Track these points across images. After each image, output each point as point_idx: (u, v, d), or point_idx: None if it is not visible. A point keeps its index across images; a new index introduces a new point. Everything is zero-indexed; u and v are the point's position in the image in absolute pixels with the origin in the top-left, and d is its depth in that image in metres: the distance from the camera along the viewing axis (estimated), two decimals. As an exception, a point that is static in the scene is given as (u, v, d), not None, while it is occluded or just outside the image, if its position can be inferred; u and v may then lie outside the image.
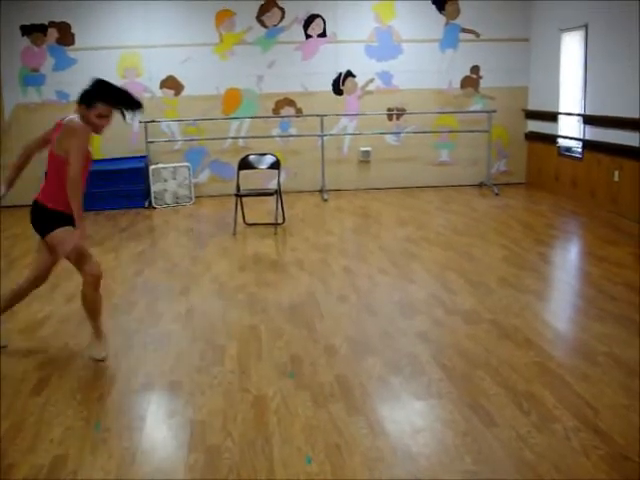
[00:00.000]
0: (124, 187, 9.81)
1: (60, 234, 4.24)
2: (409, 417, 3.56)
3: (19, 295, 4.61)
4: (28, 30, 10.18)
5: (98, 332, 4.45)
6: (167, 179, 10.00)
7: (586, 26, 9.18)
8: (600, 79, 8.99)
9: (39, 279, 4.57)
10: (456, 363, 4.18)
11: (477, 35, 10.83)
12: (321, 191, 10.45)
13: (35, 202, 4.35)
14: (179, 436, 3.43)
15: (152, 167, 9.96)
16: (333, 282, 5.97)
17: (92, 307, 4.40)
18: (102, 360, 4.37)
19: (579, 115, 9.51)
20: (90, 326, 4.48)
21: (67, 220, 4.21)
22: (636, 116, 8.08)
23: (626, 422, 3.41)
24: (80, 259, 4.28)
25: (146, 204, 9.89)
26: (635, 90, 8.15)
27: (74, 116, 4.21)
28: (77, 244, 4.18)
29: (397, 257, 6.76)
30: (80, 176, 4.12)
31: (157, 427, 3.57)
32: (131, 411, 3.74)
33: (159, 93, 10.46)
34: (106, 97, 4.19)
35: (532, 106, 10.99)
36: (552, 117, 10.26)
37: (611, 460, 3.08)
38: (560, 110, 10.07)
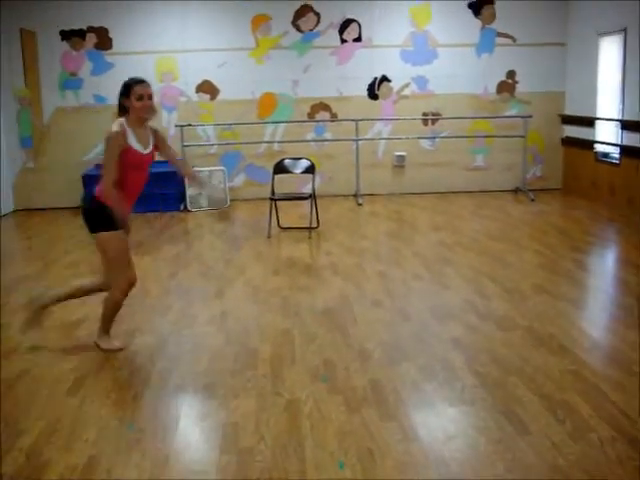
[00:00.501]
0: (160, 191, 9.87)
1: (105, 239, 4.44)
2: (442, 423, 3.55)
3: (116, 307, 4.68)
4: (67, 35, 10.34)
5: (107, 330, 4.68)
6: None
7: (625, 30, 9.08)
8: (639, 84, 8.88)
9: (129, 284, 4.62)
10: (490, 370, 4.16)
11: (513, 40, 10.77)
12: (355, 195, 10.45)
13: (89, 196, 4.54)
14: (212, 438, 3.45)
15: (188, 171, 10.02)
16: (367, 287, 5.97)
17: (113, 309, 4.62)
18: (121, 349, 4.65)
19: (617, 120, 9.41)
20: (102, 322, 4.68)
21: (110, 213, 4.34)
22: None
23: (663, 432, 3.37)
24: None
25: (181, 207, 9.97)
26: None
27: (114, 123, 4.35)
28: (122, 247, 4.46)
29: (431, 262, 6.73)
30: (109, 190, 4.30)
31: (190, 429, 3.60)
32: (165, 412, 3.77)
33: (195, 97, 10.55)
34: (136, 79, 4.40)
35: (569, 111, 10.89)
36: (589, 122, 10.15)
37: (647, 471, 3.05)
38: (597, 115, 9.97)
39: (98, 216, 4.39)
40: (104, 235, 4.41)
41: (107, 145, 4.29)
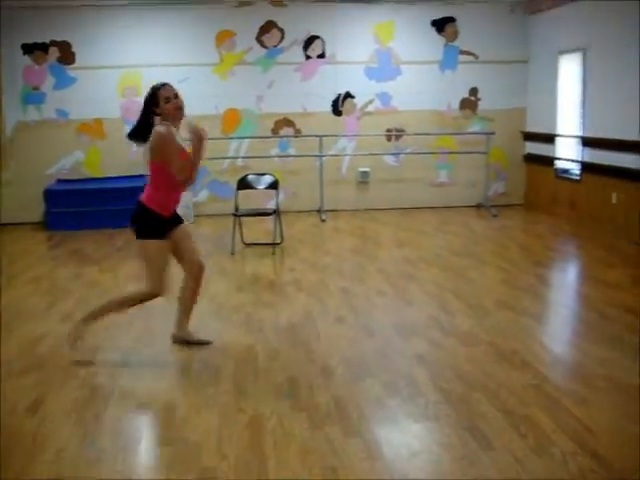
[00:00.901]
0: (123, 206, 9.73)
1: (147, 247, 4.58)
2: (406, 440, 3.54)
3: (122, 304, 4.84)
4: (29, 49, 10.24)
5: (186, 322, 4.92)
6: (166, 198, 9.98)
7: (585, 49, 9.23)
8: (599, 101, 9.03)
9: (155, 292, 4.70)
10: (454, 385, 4.16)
11: (476, 57, 10.90)
12: (319, 211, 10.45)
13: (137, 202, 4.61)
14: (174, 457, 3.39)
15: (151, 186, 9.94)
16: (331, 303, 5.96)
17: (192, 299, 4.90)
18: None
19: (577, 137, 9.54)
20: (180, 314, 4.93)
21: (159, 223, 4.52)
22: (635, 138, 8.11)
23: (625, 446, 3.39)
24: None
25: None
26: (634, 112, 8.18)
27: (157, 125, 4.49)
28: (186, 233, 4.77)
29: (395, 278, 6.75)
30: (183, 171, 4.44)
31: (152, 447, 3.55)
32: (126, 431, 3.72)
33: (159, 112, 10.48)
34: (157, 84, 4.56)
35: (530, 128, 11.03)
36: (550, 139, 10.29)
37: (609, 485, 3.07)
38: (558, 132, 10.11)
39: (145, 223, 4.53)
40: (148, 243, 4.55)
41: (163, 142, 4.40)
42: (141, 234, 4.56)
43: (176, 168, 4.42)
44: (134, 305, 4.78)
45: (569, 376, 4.40)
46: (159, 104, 4.47)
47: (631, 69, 8.25)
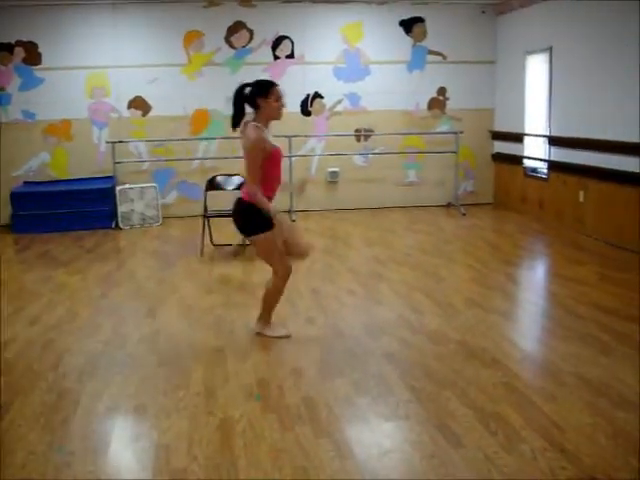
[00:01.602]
0: (91, 208, 9.70)
1: (261, 241, 4.73)
2: (377, 439, 3.54)
3: (274, 297, 5.00)
4: (-6, 49, 10.11)
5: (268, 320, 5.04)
6: (134, 200, 9.93)
7: (550, 49, 9.32)
8: (565, 101, 9.12)
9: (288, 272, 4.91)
10: (424, 384, 4.17)
11: (444, 57, 10.95)
12: (289, 212, 10.42)
13: (238, 199, 4.77)
14: (143, 460, 3.37)
15: (119, 188, 9.88)
16: (301, 303, 5.95)
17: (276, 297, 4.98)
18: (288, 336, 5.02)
19: (544, 136, 9.63)
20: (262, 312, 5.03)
21: (261, 214, 4.60)
22: (600, 137, 8.20)
23: (592, 442, 3.42)
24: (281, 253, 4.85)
25: (113, 225, 9.80)
26: (599, 111, 8.28)
27: (248, 121, 4.70)
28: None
29: (365, 278, 6.76)
30: (254, 186, 4.60)
31: (121, 451, 3.52)
32: (95, 435, 3.67)
33: (126, 113, 10.41)
34: (272, 80, 4.78)
35: (498, 127, 11.11)
36: (518, 138, 10.37)
37: (578, 480, 3.09)
38: (525, 131, 10.19)
39: (251, 219, 4.66)
40: (260, 237, 4.69)
41: (253, 151, 4.58)
42: (252, 231, 4.72)
43: (251, 176, 4.59)
44: (281, 292, 4.97)
45: (538, 373, 4.43)
46: (268, 99, 4.60)
47: (595, 68, 8.35)
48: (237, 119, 4.75)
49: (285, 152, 10.26)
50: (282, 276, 4.87)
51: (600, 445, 3.39)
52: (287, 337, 5.02)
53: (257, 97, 4.65)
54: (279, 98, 4.65)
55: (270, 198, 4.71)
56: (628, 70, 7.72)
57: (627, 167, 7.73)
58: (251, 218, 4.67)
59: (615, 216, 8.01)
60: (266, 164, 4.64)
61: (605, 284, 6.36)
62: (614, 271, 6.85)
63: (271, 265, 4.86)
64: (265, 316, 5.05)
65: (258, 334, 5.06)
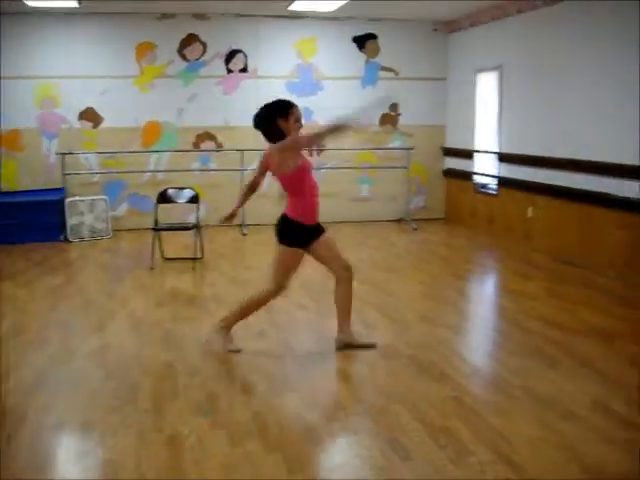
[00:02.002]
0: (39, 220, 9.54)
1: (285, 252, 4.81)
2: (327, 454, 3.54)
3: (256, 305, 5.01)
4: (-60, 58, 9.90)
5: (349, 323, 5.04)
6: (84, 212, 9.80)
7: (500, 67, 9.47)
8: (514, 118, 9.27)
9: (279, 292, 4.94)
10: (374, 398, 4.18)
11: (396, 73, 11.06)
12: (240, 226, 10.41)
13: (283, 215, 4.88)
14: (90, 478, 3.31)
15: (69, 200, 9.75)
16: (251, 318, 5.84)
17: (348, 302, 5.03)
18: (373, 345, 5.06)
19: (494, 153, 9.76)
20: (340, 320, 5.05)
21: (301, 233, 4.79)
22: (547, 154, 8.35)
23: (539, 453, 3.46)
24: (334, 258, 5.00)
25: (62, 238, 9.66)
26: (546, 129, 8.43)
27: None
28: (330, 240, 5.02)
29: (316, 292, 6.75)
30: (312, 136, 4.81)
31: (67, 468, 3.45)
32: (41, 452, 3.59)
33: (77, 124, 10.28)
34: (289, 101, 4.84)
35: (449, 144, 11.24)
36: (468, 155, 10.50)
37: (525, 493, 3.13)
38: (476, 148, 10.33)
39: (289, 233, 4.79)
40: (288, 249, 4.78)
41: (297, 141, 4.75)
42: (283, 241, 4.80)
43: (310, 138, 4.81)
44: (263, 304, 4.99)
45: (487, 387, 4.48)
46: (289, 120, 4.69)
47: (544, 87, 8.51)
48: (276, 133, 4.80)
49: (237, 165, 10.31)
50: (273, 291, 4.88)
51: (547, 457, 3.43)
52: (237, 351, 5.00)
53: (277, 116, 4.72)
54: (298, 119, 4.72)
55: (315, 204, 4.89)
56: (576, 88, 7.88)
57: (573, 184, 7.88)
58: (290, 231, 4.79)
59: (561, 232, 8.16)
60: (306, 174, 4.81)
61: (552, 298, 6.46)
62: (561, 285, 6.96)
63: (273, 277, 4.87)
64: (230, 323, 5.03)
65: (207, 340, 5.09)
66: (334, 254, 5.02)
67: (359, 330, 5.50)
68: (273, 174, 4.90)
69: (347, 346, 5.03)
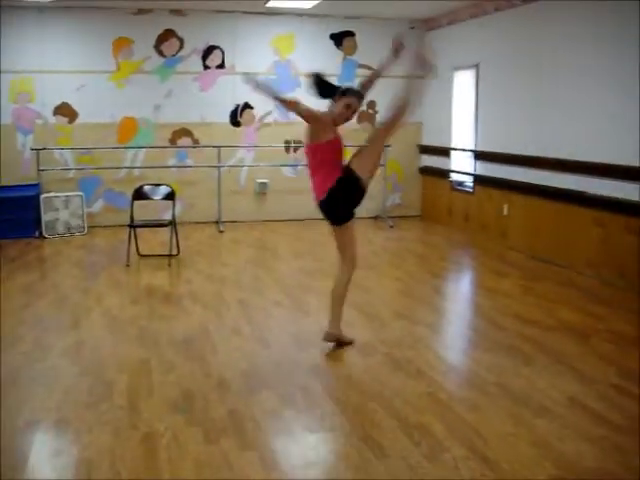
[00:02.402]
0: (14, 216, 9.46)
1: (341, 233, 4.97)
2: (302, 451, 3.53)
3: (344, 290, 5.04)
4: None
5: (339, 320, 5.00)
6: (59, 208, 9.73)
7: (477, 65, 9.51)
8: (490, 116, 9.32)
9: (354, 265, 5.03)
10: (349, 396, 4.19)
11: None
12: (217, 222, 10.38)
13: (320, 202, 4.99)
14: (64, 477, 3.28)
15: (44, 196, 9.67)
16: (227, 315, 5.91)
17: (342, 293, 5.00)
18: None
19: (471, 151, 9.81)
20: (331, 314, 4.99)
21: (344, 208, 4.91)
22: (524, 153, 8.41)
23: (513, 449, 3.49)
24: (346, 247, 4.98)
25: (37, 234, 9.58)
26: (522, 127, 8.49)
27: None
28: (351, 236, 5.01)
29: (292, 289, 6.76)
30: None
31: (41, 467, 3.41)
32: (14, 450, 3.56)
33: (52, 120, 10.19)
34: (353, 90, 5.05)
35: (426, 141, 11.28)
36: (445, 152, 10.54)
37: (498, 489, 3.15)
38: (453, 146, 10.37)
39: (344, 210, 4.92)
40: (348, 226, 4.95)
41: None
42: (342, 219, 4.95)
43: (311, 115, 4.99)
44: (348, 284, 5.02)
45: (462, 384, 4.50)
46: (341, 100, 4.85)
47: (520, 85, 8.56)
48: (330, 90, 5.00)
49: (214, 162, 10.28)
50: (353, 264, 4.99)
51: (520, 452, 3.46)
52: (350, 343, 5.06)
53: (338, 93, 4.95)
54: (349, 107, 4.86)
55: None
56: (552, 87, 7.94)
57: (549, 182, 7.94)
58: (331, 206, 4.90)
59: (537, 230, 8.22)
60: (338, 148, 5.01)
61: (527, 296, 6.51)
62: (535, 283, 7.01)
63: (347, 255, 4.96)
64: (337, 323, 5.01)
65: (336, 340, 5.03)
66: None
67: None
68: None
69: (335, 341, 5.05)
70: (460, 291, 7.36)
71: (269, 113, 10.80)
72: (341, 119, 4.92)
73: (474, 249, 8.91)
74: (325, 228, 9.59)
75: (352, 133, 11.03)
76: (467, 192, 10.00)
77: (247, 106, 10.72)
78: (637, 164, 6.64)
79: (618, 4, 6.85)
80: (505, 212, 8.86)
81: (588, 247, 7.37)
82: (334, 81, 10.62)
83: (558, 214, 7.83)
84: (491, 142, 9.30)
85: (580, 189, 7.44)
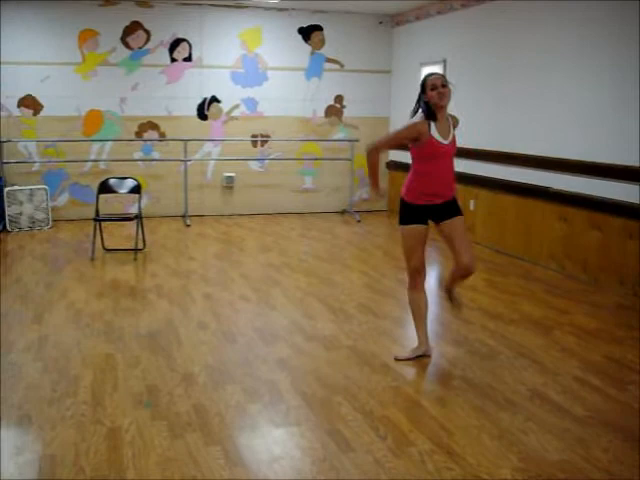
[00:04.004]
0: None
1: (402, 231, 4.77)
2: (267, 445, 3.53)
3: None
4: None
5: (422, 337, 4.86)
6: (23, 202, 9.61)
7: (445, 61, 9.55)
8: (457, 112, 9.32)
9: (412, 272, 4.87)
10: (315, 389, 4.20)
11: (341, 65, 11.08)
12: (184, 216, 10.33)
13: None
14: (27, 473, 3.24)
15: (7, 189, 9.54)
16: (193, 309, 5.89)
17: (411, 308, 4.91)
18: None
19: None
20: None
21: (407, 211, 4.71)
22: (490, 148, 8.47)
23: (477, 443, 3.52)
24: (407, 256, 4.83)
25: (0, 228, 9.46)
26: (489, 123, 8.54)
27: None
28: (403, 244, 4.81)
29: (259, 284, 6.75)
30: (373, 150, 4.82)
31: (4, 465, 3.35)
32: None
33: (16, 112, 10.04)
34: (429, 72, 4.79)
35: (393, 136, 11.28)
36: (412, 147, 10.56)
37: (463, 482, 3.18)
38: (419, 141, 10.39)
39: (401, 212, 4.73)
40: (402, 228, 4.74)
41: (407, 126, 4.70)
42: (399, 220, 4.79)
43: (388, 137, 4.93)
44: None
45: (427, 377, 4.53)
46: (426, 92, 4.61)
47: (486, 81, 8.62)
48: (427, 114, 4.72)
49: (180, 156, 10.22)
50: (409, 274, 4.86)
51: (485, 445, 3.49)
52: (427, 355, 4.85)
53: (421, 96, 4.72)
54: (435, 86, 4.58)
55: (425, 195, 4.67)
56: (519, 83, 8.00)
57: (514, 177, 8.01)
58: (401, 210, 4.77)
59: (502, 224, 8.29)
60: (425, 155, 4.70)
61: (491, 290, 6.57)
62: (499, 277, 7.09)
63: (405, 258, 4.86)
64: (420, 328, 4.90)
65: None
66: (457, 247, 4.82)
67: (301, 321, 5.53)
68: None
69: (451, 295, 5.09)
70: (426, 285, 7.37)
71: (237, 107, 10.76)
72: (434, 101, 4.64)
73: (441, 244, 8.93)
74: (293, 221, 9.51)
75: (318, 128, 11.11)
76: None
77: (214, 99, 10.67)
78: (602, 160, 6.72)
79: None
80: (472, 207, 8.92)
81: (552, 241, 7.45)
82: (301, 76, 10.80)
83: (523, 209, 7.90)
84: (458, 137, 9.31)
85: (545, 184, 7.52)
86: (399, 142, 4.83)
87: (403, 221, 4.73)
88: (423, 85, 4.67)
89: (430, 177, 4.70)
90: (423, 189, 4.68)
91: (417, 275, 4.82)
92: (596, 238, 6.82)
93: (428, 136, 4.62)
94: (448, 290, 5.07)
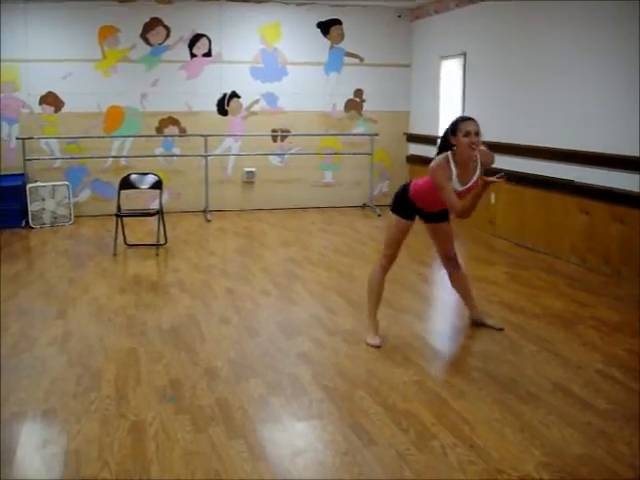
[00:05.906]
0: (0, 206, 9.42)
1: (392, 221, 4.97)
2: (290, 439, 3.55)
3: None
4: None
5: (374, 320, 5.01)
6: (45, 198, 9.68)
7: (464, 54, 9.51)
8: (477, 105, 9.32)
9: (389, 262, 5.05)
10: (337, 383, 4.21)
11: (361, 59, 11.06)
12: (204, 212, 10.37)
13: (404, 185, 5.01)
14: (52, 467, 3.27)
15: (30, 185, 9.62)
16: (215, 304, 5.92)
17: (369, 289, 5.06)
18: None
19: (457, 139, 9.80)
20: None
21: (409, 207, 4.87)
22: (510, 141, 8.42)
23: (500, 436, 3.51)
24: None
25: (23, 224, 9.54)
26: (510, 116, 8.50)
27: (439, 157, 4.66)
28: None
29: (280, 278, 6.76)
30: (456, 205, 4.60)
31: (29, 458, 3.40)
32: (1, 442, 3.55)
33: (38, 109, 10.12)
34: (464, 116, 4.77)
35: (413, 130, 11.28)
36: (432, 141, 10.52)
37: (486, 474, 3.17)
38: (440, 134, 10.34)
39: (400, 201, 4.88)
40: (396, 218, 4.87)
41: (436, 178, 4.58)
42: (393, 208, 4.93)
43: (446, 199, 4.57)
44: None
45: (449, 371, 4.53)
46: (457, 135, 4.51)
47: (506, 74, 8.58)
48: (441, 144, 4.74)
49: (200, 151, 10.25)
50: (382, 264, 4.99)
51: (507, 439, 3.49)
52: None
53: (448, 135, 4.62)
54: (468, 133, 4.47)
55: (429, 206, 4.87)
56: (539, 76, 7.95)
57: (536, 170, 7.97)
58: (400, 199, 4.89)
59: (523, 217, 8.26)
60: (431, 190, 4.69)
61: (513, 283, 6.55)
62: (521, 270, 7.06)
63: (384, 246, 5.01)
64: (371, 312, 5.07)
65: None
66: (444, 245, 5.29)
67: (322, 315, 5.54)
68: None
69: (479, 324, 5.27)
70: (446, 279, 7.31)
71: (256, 102, 10.78)
72: (464, 148, 4.54)
73: (461, 237, 8.92)
74: (314, 216, 9.53)
75: (337, 122, 11.10)
76: (454, 180, 10.00)
77: (234, 95, 10.69)
78: (624, 153, 6.67)
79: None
80: (492, 200, 8.88)
81: (574, 235, 7.41)
82: (320, 71, 10.80)
83: (545, 202, 7.86)
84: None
85: (567, 177, 7.47)
86: (450, 186, 4.59)
87: (399, 212, 4.87)
88: (454, 126, 4.57)
89: (439, 203, 4.76)
90: (430, 205, 4.86)
91: (393, 260, 5.00)
92: (618, 231, 6.77)
93: (446, 182, 4.62)
94: (478, 320, 5.26)
